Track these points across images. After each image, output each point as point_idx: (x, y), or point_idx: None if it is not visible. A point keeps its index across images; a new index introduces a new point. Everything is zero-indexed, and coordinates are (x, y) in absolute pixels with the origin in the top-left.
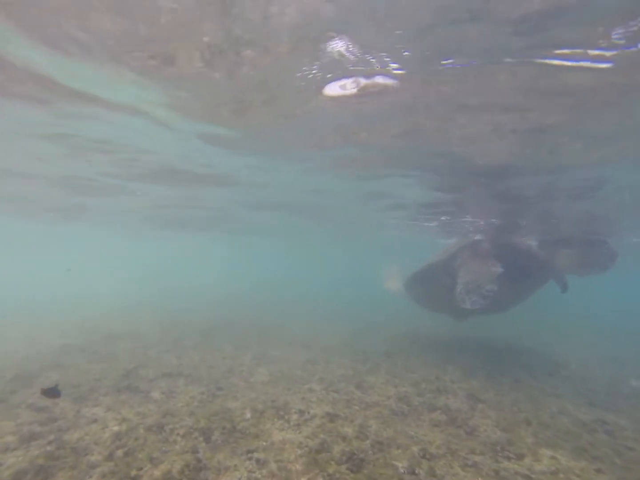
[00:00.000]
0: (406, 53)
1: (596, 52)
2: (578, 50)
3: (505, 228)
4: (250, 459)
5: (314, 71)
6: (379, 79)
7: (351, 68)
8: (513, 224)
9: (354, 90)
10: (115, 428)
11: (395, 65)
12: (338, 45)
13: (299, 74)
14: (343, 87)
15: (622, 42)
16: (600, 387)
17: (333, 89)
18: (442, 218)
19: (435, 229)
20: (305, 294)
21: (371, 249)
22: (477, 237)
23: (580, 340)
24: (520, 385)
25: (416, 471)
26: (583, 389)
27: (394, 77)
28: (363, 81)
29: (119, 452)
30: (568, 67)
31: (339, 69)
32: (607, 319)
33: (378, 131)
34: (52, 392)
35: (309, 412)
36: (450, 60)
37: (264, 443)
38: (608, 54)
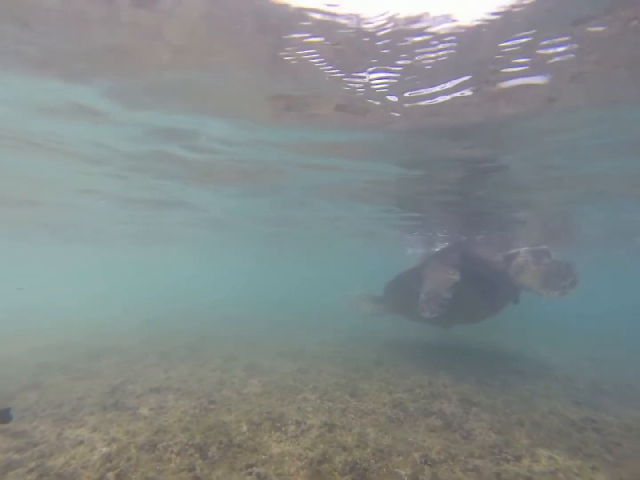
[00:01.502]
0: None
1: None
2: None
3: (471, 240)
4: (250, 474)
5: None
6: None
7: None
8: (478, 237)
9: None
10: (104, 449)
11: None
12: None
13: None
14: None
15: None
16: (585, 386)
17: None
18: (415, 233)
19: (408, 238)
20: (280, 306)
21: (346, 259)
22: (447, 245)
23: (561, 343)
24: (510, 387)
25: (419, 478)
26: (569, 388)
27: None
28: None
29: (110, 475)
30: None
31: None
32: (585, 321)
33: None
34: (1, 416)
35: (305, 423)
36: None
37: (263, 456)
38: None
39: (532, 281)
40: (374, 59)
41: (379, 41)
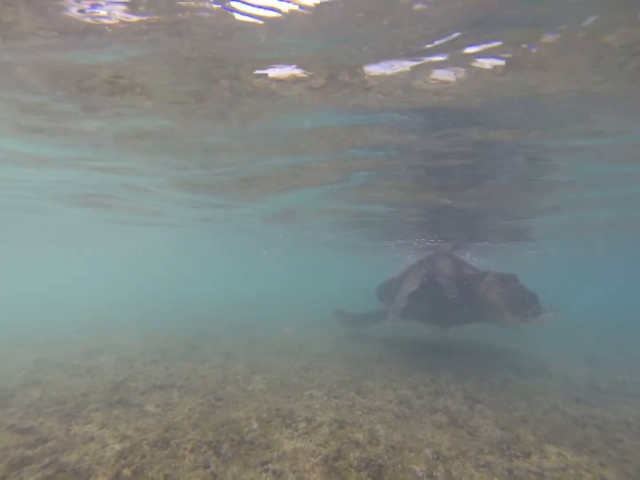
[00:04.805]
0: None
1: None
2: None
3: (445, 251)
4: (266, 470)
5: None
6: None
7: None
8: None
9: None
10: (117, 446)
11: None
12: None
13: None
14: None
15: None
16: (581, 384)
17: None
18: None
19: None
20: (274, 304)
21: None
22: (426, 256)
23: (555, 341)
24: (510, 384)
25: (434, 474)
26: (567, 386)
27: None
28: None
29: (126, 472)
30: None
31: None
32: (576, 319)
33: None
34: None
35: (315, 420)
36: None
37: (276, 453)
38: None
39: (497, 301)
40: None
41: None
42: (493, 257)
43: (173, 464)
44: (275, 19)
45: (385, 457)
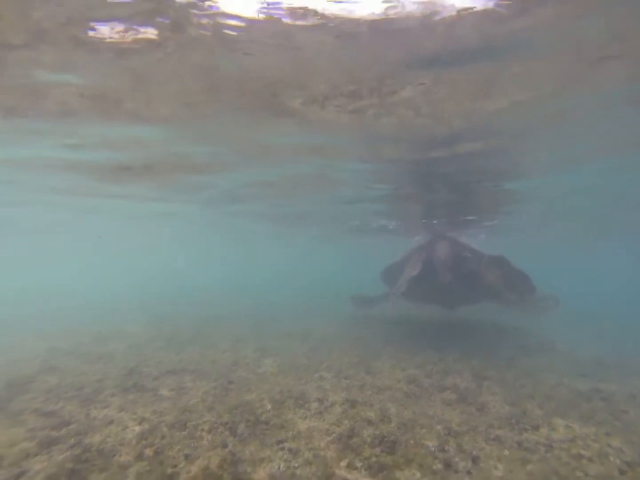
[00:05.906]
0: None
1: None
2: None
3: (443, 235)
4: (282, 449)
5: None
6: None
7: None
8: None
9: None
10: (137, 428)
11: None
12: None
13: None
14: None
15: None
16: (586, 360)
17: None
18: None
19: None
20: (280, 290)
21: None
22: (427, 239)
23: (559, 320)
24: (516, 362)
25: (446, 448)
26: (572, 362)
27: None
28: None
29: (148, 452)
30: None
31: None
32: (577, 300)
33: None
34: None
35: (327, 400)
36: None
37: (291, 433)
38: None
39: (496, 282)
40: None
41: None
42: (497, 238)
43: (192, 444)
44: None
45: (398, 433)
